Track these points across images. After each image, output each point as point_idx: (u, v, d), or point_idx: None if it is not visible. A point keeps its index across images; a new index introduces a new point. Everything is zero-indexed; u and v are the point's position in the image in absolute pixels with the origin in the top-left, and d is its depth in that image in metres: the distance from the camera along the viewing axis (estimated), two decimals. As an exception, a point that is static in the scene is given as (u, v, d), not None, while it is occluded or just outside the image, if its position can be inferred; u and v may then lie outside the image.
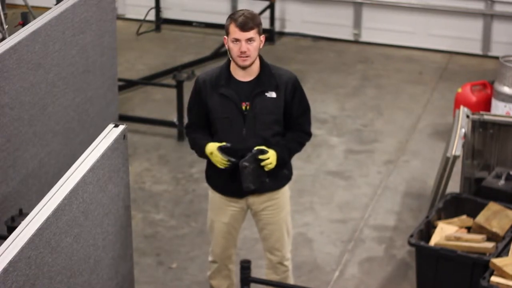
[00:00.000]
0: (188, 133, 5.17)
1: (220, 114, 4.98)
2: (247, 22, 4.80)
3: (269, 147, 4.98)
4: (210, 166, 5.19)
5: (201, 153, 5.06)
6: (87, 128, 6.35)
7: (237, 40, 4.82)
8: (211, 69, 5.13)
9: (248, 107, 4.96)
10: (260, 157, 4.92)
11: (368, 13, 10.28)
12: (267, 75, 4.98)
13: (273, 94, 4.98)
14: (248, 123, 4.96)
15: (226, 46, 4.93)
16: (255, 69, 4.97)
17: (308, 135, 5.15)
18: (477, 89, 8.19)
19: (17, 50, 5.30)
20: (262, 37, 4.92)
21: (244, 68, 4.92)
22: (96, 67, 6.46)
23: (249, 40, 4.82)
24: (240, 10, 4.94)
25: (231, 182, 5.09)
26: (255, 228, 5.52)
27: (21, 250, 3.45)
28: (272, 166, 4.95)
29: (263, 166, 4.93)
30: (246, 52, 4.82)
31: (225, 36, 4.91)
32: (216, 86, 4.98)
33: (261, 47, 4.92)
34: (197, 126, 5.10)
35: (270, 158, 4.94)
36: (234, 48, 4.85)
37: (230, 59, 4.95)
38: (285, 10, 10.56)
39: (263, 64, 5.00)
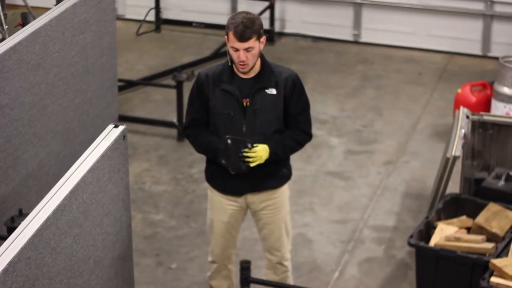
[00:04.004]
0: (191, 134, 5.09)
1: (222, 110, 4.99)
2: (245, 31, 4.79)
3: (265, 142, 4.98)
4: (210, 165, 5.19)
5: (215, 156, 5.01)
6: (87, 129, 6.35)
7: (236, 49, 4.84)
8: (212, 66, 5.14)
9: (248, 104, 4.97)
10: (246, 153, 4.90)
11: (368, 14, 10.28)
12: (268, 72, 5.00)
13: (273, 91, 4.99)
14: (248, 120, 4.97)
15: (228, 45, 4.94)
16: (256, 66, 4.99)
17: (306, 134, 5.13)
18: (476, 90, 8.19)
19: (17, 50, 5.30)
20: (263, 39, 4.92)
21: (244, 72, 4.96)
22: (96, 67, 6.46)
23: (248, 49, 4.83)
24: (240, 13, 4.91)
25: (230, 180, 5.10)
26: (254, 229, 5.53)
27: (21, 251, 3.45)
28: (258, 162, 4.94)
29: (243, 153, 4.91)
30: (245, 60, 4.85)
31: (226, 36, 4.92)
32: (219, 82, 4.99)
33: (261, 48, 4.93)
34: (199, 123, 5.06)
35: (257, 153, 4.92)
36: (233, 55, 4.89)
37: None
38: (284, 11, 10.57)
39: (264, 61, 5.01)
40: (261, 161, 4.96)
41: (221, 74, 5.01)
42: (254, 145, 4.94)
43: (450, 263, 5.60)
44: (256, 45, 4.86)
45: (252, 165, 4.94)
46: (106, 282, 4.41)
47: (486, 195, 6.19)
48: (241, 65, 4.89)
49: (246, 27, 4.80)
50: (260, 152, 4.94)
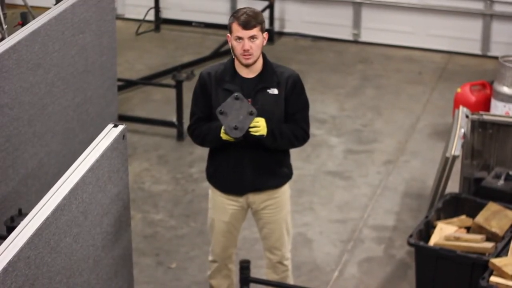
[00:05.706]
0: (195, 129, 5.05)
1: None
2: (250, 20, 4.82)
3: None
4: (211, 164, 5.19)
5: (217, 135, 4.92)
6: (87, 128, 6.35)
7: (240, 38, 4.84)
8: (214, 65, 5.13)
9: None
10: (252, 124, 4.83)
11: (368, 13, 10.28)
12: (270, 72, 5.00)
13: (275, 91, 4.99)
14: None
15: (230, 44, 4.94)
16: (258, 66, 4.99)
17: (303, 131, 5.09)
18: (476, 89, 8.20)
19: (17, 50, 5.30)
20: (265, 35, 4.95)
21: (247, 66, 4.93)
22: (96, 67, 6.46)
23: (252, 38, 4.84)
24: (243, 8, 4.95)
25: (231, 180, 5.10)
26: (254, 228, 5.53)
27: (21, 250, 3.45)
28: (259, 133, 4.87)
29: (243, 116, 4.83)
30: (249, 50, 4.84)
31: (228, 34, 4.92)
32: (221, 81, 4.98)
33: (264, 44, 4.94)
34: (203, 121, 5.03)
35: (260, 123, 4.85)
36: (237, 47, 4.87)
37: (234, 57, 4.96)
38: (284, 10, 10.56)
39: (266, 61, 5.01)
40: (263, 132, 4.87)
41: (224, 74, 5.00)
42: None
43: (450, 262, 5.60)
44: (260, 36, 4.87)
45: (253, 133, 4.85)
46: (105, 281, 4.41)
47: (485, 194, 6.19)
48: (245, 55, 4.86)
49: (250, 16, 4.84)
50: (263, 123, 4.90)
